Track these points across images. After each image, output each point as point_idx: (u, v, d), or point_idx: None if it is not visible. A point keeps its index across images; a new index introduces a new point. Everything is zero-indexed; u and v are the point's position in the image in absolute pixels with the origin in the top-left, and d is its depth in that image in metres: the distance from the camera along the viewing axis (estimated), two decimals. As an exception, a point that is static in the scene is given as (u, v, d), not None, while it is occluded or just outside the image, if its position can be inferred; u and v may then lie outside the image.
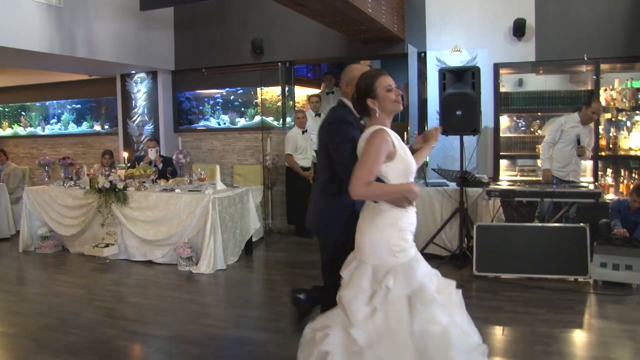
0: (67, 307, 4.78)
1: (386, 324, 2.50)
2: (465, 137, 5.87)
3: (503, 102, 6.71)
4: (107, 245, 6.33)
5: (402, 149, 2.63)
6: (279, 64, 7.93)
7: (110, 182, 6.33)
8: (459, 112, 5.56)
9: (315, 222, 3.16)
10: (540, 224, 5.46)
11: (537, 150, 6.52)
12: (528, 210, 6.22)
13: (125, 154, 7.18)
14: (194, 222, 5.96)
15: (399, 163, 2.60)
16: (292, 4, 4.93)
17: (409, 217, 2.65)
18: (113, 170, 6.61)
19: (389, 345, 2.47)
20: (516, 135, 6.87)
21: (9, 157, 8.92)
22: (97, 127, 9.63)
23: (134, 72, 8.61)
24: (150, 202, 6.23)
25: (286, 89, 8.14)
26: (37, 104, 10.21)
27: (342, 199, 2.80)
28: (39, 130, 10.11)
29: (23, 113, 10.38)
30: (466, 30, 6.73)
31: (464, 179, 5.65)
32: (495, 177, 6.68)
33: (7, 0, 5.80)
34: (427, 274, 2.61)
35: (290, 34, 7.73)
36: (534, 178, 6.67)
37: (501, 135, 6.79)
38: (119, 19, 7.23)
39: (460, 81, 5.62)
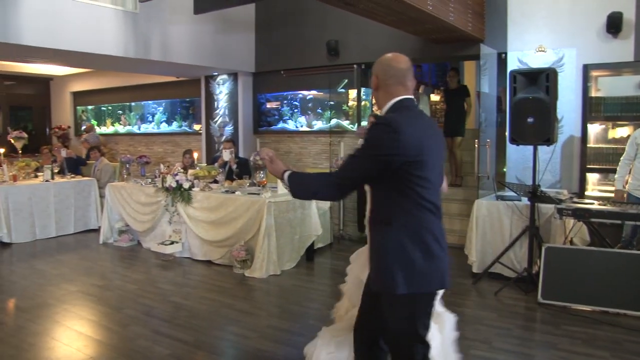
0: (114, 301, 4.95)
1: None
2: (547, 148, 5.28)
3: (594, 109, 5.93)
4: (172, 243, 6.51)
5: None
6: (355, 66, 7.71)
7: (177, 181, 6.50)
8: (530, 120, 4.98)
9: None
10: (621, 250, 4.73)
11: (631, 164, 5.70)
12: (615, 232, 5.44)
13: (196, 154, 7.35)
14: (249, 226, 5.93)
15: None
16: (341, 4, 4.69)
17: None
18: (181, 170, 6.78)
19: None
20: (609, 146, 6.03)
21: (107, 154, 9.56)
22: (186, 127, 10.05)
23: (216, 73, 8.83)
24: (211, 203, 6.30)
25: (362, 91, 7.90)
26: (132, 104, 10.90)
27: None
28: (135, 129, 10.77)
29: (120, 112, 11.13)
30: (552, 27, 6.04)
31: (534, 194, 5.06)
32: (581, 193, 5.92)
33: (85, 8, 6.19)
34: None
35: (365, 36, 7.49)
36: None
37: (590, 145, 6.01)
38: (194, 23, 7.44)
39: (534, 85, 5.03)
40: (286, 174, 2.39)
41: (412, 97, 2.35)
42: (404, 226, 2.21)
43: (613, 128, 6.11)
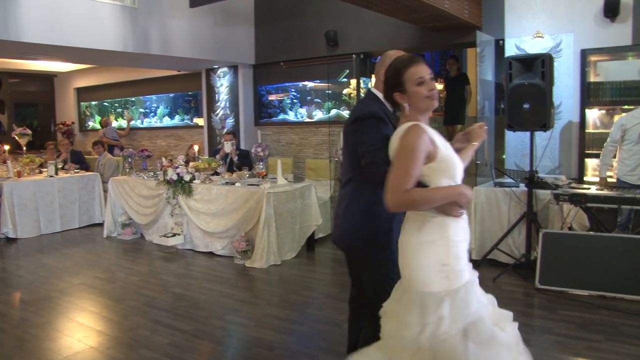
0: (116, 293, 5.02)
1: None
2: (545, 134, 5.29)
3: (592, 94, 5.90)
4: (173, 235, 6.58)
5: (445, 146, 2.18)
6: (353, 56, 7.71)
7: (178, 174, 6.55)
8: (526, 106, 4.97)
9: (346, 239, 2.66)
10: (619, 235, 4.73)
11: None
12: (613, 217, 5.44)
13: (196, 147, 7.40)
14: (249, 216, 5.98)
15: (443, 163, 2.14)
16: (334, -7, 4.70)
17: (462, 228, 2.18)
18: (182, 163, 6.83)
19: None
20: (608, 131, 5.99)
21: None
22: (188, 121, 10.11)
23: (217, 66, 8.87)
24: (212, 195, 6.35)
25: (361, 81, 7.90)
26: (132, 98, 10.98)
27: (378, 209, 2.39)
28: (138, 124, 10.84)
29: (119, 108, 11.22)
30: (550, 13, 6.01)
31: (531, 180, 5.06)
32: (580, 179, 5.91)
33: (85, 4, 6.23)
34: (483, 303, 2.17)
35: (364, 26, 7.50)
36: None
37: (589, 131, 5.99)
38: (194, 17, 7.47)
39: (530, 71, 5.02)
40: None
41: (369, 88, 2.62)
42: None
43: (613, 113, 6.08)
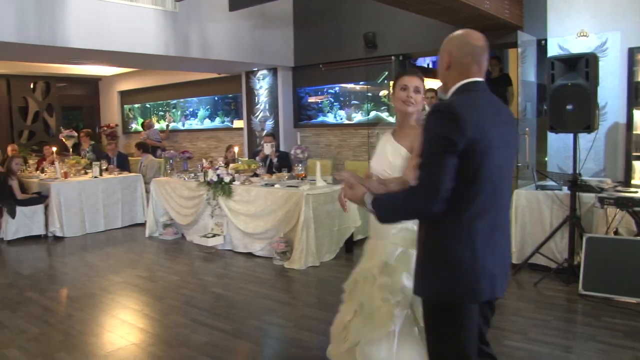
0: (157, 291, 5.13)
1: None
2: (589, 135, 5.15)
3: (640, 94, 5.70)
4: (213, 236, 6.68)
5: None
6: (392, 57, 7.68)
7: (218, 175, 6.66)
8: (569, 107, 4.85)
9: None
10: (668, 240, 4.55)
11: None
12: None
13: (236, 149, 7.50)
14: (288, 218, 6.02)
15: None
16: (371, -5, 4.70)
17: None
18: (222, 165, 6.93)
19: None
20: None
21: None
22: (228, 123, 10.27)
23: (256, 69, 8.97)
24: (251, 196, 6.42)
25: (400, 83, 7.86)
26: (173, 101, 11.21)
27: None
28: (179, 126, 11.06)
29: (161, 111, 11.45)
30: (594, 12, 5.84)
31: (574, 183, 4.93)
32: (627, 182, 5.72)
33: (127, 10, 6.42)
34: None
35: (402, 27, 7.46)
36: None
37: (637, 132, 5.78)
38: (233, 20, 7.59)
39: (573, 71, 4.89)
40: (368, 200, 2.06)
41: (483, 80, 2.07)
42: None
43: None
